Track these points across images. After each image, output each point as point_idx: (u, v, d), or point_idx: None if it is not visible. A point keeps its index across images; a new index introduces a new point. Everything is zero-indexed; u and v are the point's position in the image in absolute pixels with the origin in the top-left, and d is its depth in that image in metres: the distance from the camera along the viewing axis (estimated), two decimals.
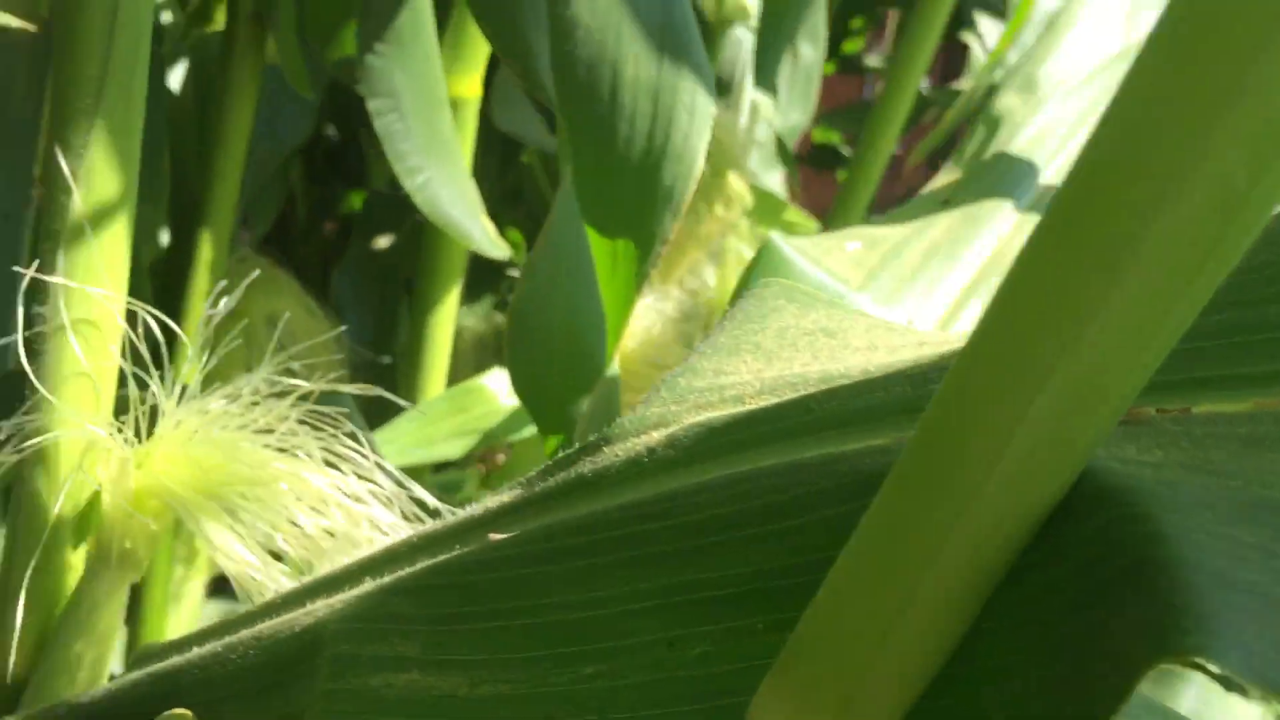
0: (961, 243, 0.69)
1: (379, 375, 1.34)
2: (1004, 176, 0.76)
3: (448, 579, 0.37)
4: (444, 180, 0.97)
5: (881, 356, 0.35)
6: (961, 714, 0.30)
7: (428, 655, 0.37)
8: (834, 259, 0.67)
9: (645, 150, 0.69)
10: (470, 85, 1.07)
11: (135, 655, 0.54)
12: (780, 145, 1.71)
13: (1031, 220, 0.73)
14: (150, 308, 0.52)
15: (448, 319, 1.16)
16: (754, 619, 0.32)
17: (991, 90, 1.74)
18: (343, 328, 1.11)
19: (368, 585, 0.40)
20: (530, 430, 1.01)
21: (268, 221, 1.59)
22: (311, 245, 1.94)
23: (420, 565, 0.39)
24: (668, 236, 0.70)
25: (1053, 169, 0.77)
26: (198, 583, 1.28)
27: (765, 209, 1.60)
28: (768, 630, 0.32)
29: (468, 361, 1.58)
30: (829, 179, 2.59)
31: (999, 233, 0.71)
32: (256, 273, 0.59)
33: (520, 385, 0.75)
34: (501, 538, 0.37)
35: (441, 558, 0.38)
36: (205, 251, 1.02)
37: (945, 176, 0.78)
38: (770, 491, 0.32)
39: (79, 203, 0.50)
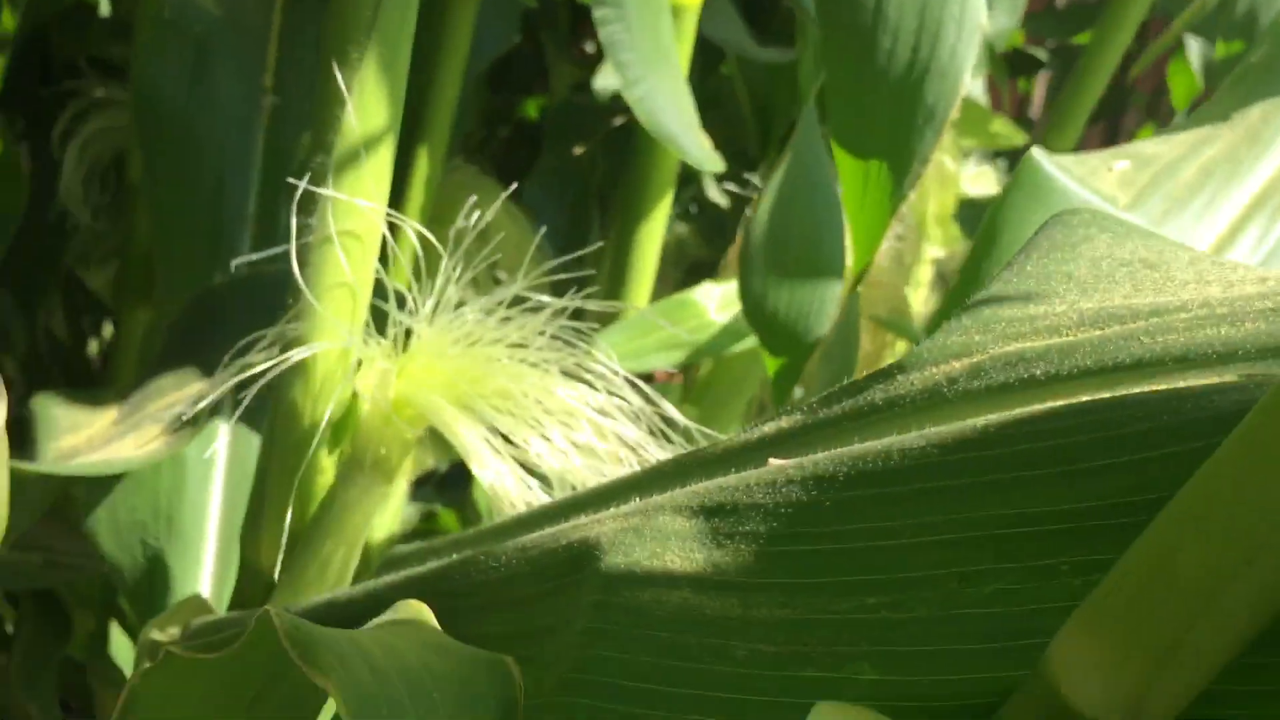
0: (1243, 161, 0.65)
1: (578, 286, 1.35)
2: None
3: (726, 499, 0.37)
4: (663, 91, 0.95)
5: (1216, 290, 0.33)
6: None
7: (703, 575, 0.37)
8: (1100, 179, 0.63)
9: (908, 65, 0.66)
10: None
11: (383, 559, 0.56)
12: (990, 51, 1.64)
13: None
14: (413, 222, 0.52)
15: (656, 232, 1.16)
16: (1059, 559, 0.31)
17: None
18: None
19: (637, 502, 0.40)
20: (740, 346, 1.00)
21: (467, 128, 1.60)
22: (487, 153, 1.96)
23: (694, 486, 0.39)
24: (928, 158, 0.67)
25: None
26: (401, 483, 1.32)
27: (970, 119, 1.54)
28: (1073, 572, 0.31)
29: None
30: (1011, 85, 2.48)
31: None
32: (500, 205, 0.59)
33: (750, 305, 0.74)
34: (785, 463, 0.36)
35: (718, 479, 0.38)
36: (422, 165, 1.03)
37: (1226, 91, 0.73)
38: (1096, 427, 0.30)
39: (352, 116, 0.51)
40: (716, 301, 1.01)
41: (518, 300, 0.55)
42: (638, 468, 0.51)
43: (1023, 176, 0.64)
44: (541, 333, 0.52)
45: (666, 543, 0.37)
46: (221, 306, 0.89)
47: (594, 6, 0.92)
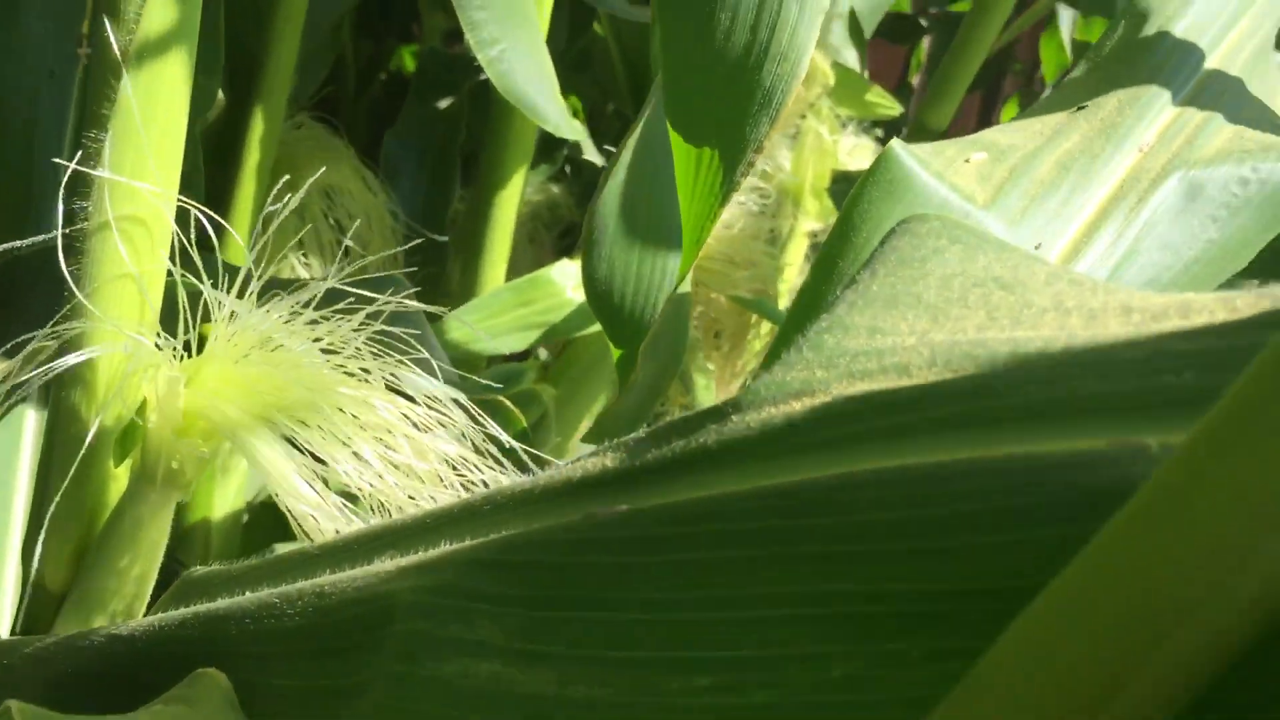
0: (1099, 156, 0.62)
1: (433, 250, 1.29)
2: (1157, 64, 0.67)
3: (541, 556, 0.32)
4: (520, 52, 0.89)
5: (1077, 323, 0.29)
6: None
7: (514, 644, 0.32)
8: (957, 172, 0.59)
9: (747, 45, 0.61)
10: None
11: (180, 583, 0.50)
12: (853, 20, 1.61)
13: (1181, 123, 0.66)
14: (203, 208, 0.46)
15: (513, 199, 1.10)
16: (909, 644, 0.27)
17: None
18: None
19: (446, 548, 0.35)
20: (597, 326, 0.95)
21: (317, 82, 1.52)
22: (360, 104, 1.87)
23: (507, 533, 0.34)
24: (762, 145, 0.62)
25: (1212, 62, 0.68)
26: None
27: (846, 88, 1.51)
28: (926, 659, 0.27)
29: (522, 233, 1.52)
30: (899, 52, 2.47)
31: (1140, 143, 0.63)
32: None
33: (593, 293, 0.69)
34: (606, 513, 0.31)
35: (534, 527, 0.33)
36: (259, 123, 0.95)
37: (1081, 71, 0.70)
38: (947, 499, 0.26)
39: (129, 86, 0.44)
40: (574, 279, 0.96)
41: (334, 295, 0.49)
42: (459, 489, 0.46)
43: (880, 170, 0.60)
44: (356, 334, 0.46)
45: (475, 604, 0.32)
46: (32, 278, 0.81)
47: None
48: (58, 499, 0.51)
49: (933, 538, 0.26)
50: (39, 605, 0.56)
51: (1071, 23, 1.86)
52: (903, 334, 0.31)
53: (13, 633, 0.58)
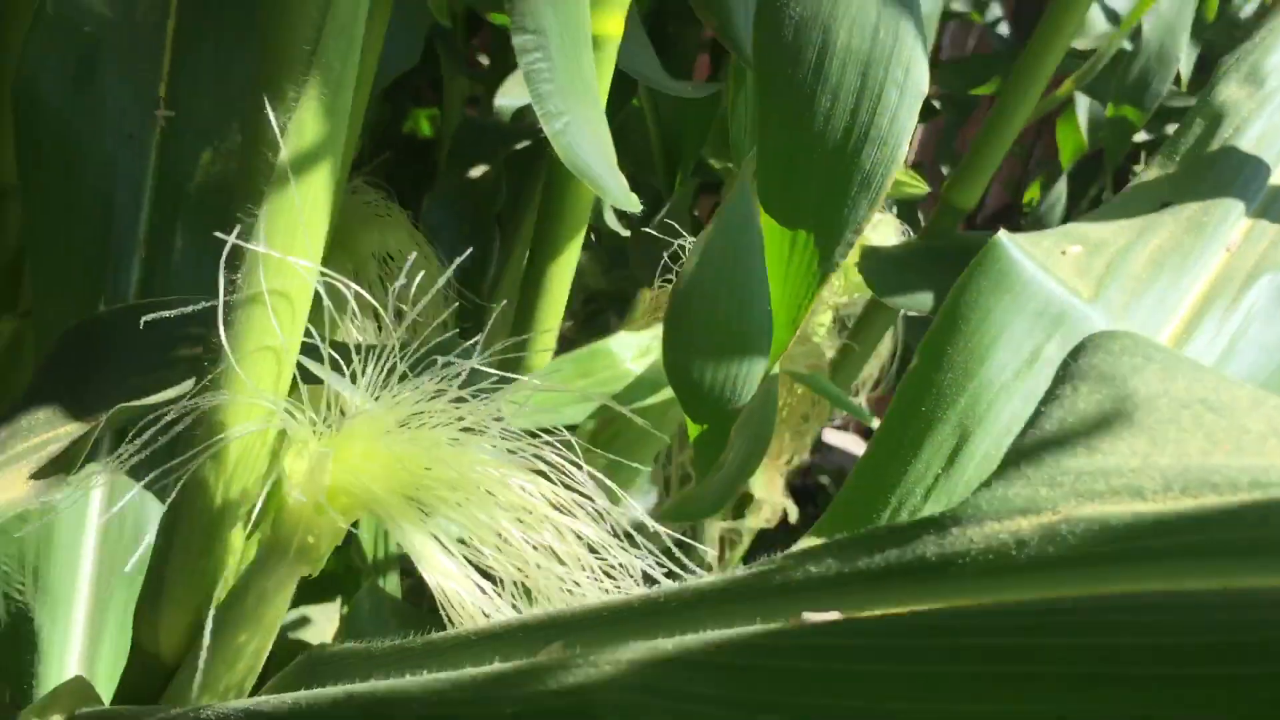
0: (1190, 254, 0.63)
1: (478, 318, 1.29)
2: (1230, 175, 0.69)
3: (757, 660, 0.32)
4: (583, 126, 0.90)
5: None
6: None
7: None
8: (1057, 264, 0.61)
9: (847, 129, 0.62)
10: (613, 23, 1.00)
11: (306, 660, 0.49)
12: None
13: (1261, 227, 0.67)
14: (352, 283, 0.46)
15: (567, 270, 1.10)
16: None
17: (1127, 57, 1.65)
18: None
19: (639, 645, 0.35)
20: (655, 399, 0.96)
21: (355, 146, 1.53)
22: (379, 169, 1.88)
23: (710, 634, 0.34)
24: (861, 229, 0.63)
25: None
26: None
27: None
28: None
29: None
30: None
31: (1227, 243, 0.65)
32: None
33: (674, 372, 0.69)
34: (820, 619, 0.32)
35: (740, 630, 0.33)
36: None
37: (1156, 171, 0.72)
38: (1216, 628, 0.26)
39: (285, 162, 0.45)
40: (632, 351, 0.97)
41: (470, 376, 0.49)
42: (600, 575, 0.46)
43: (987, 260, 0.61)
44: (499, 418, 0.47)
45: (692, 706, 0.32)
46: (106, 338, 0.81)
47: (514, 34, 0.87)
48: (180, 569, 0.51)
49: (1194, 665, 0.26)
50: (147, 675, 0.55)
51: (1088, 109, 1.89)
52: (1123, 454, 0.31)
53: (113, 702, 0.57)
